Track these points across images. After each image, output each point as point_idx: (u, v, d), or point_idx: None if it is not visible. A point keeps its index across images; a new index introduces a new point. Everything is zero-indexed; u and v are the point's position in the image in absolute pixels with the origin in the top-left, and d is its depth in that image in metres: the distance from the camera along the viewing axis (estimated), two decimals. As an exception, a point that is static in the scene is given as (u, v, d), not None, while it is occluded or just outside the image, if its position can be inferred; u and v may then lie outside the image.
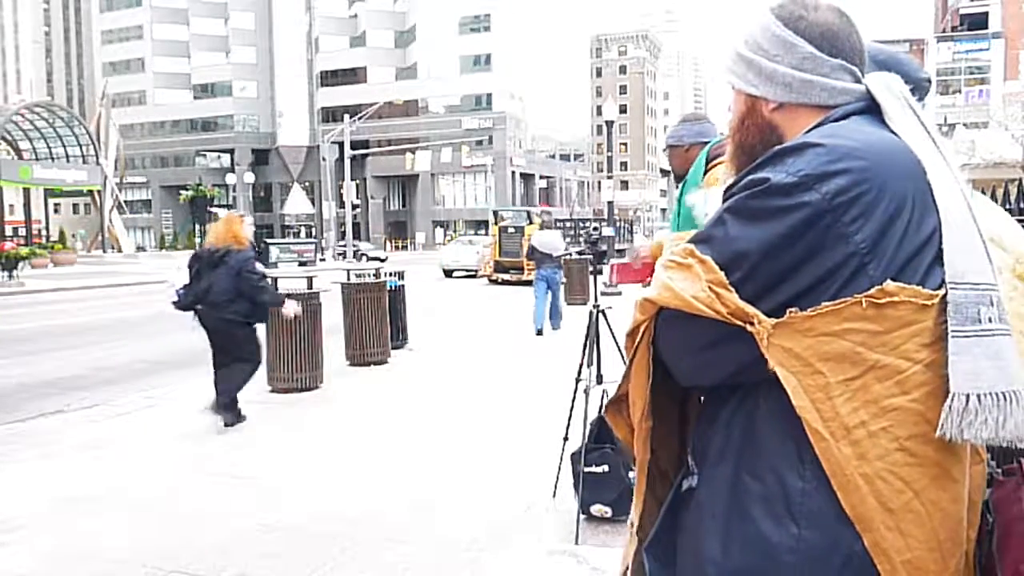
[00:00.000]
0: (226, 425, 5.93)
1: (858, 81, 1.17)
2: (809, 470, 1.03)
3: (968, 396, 0.99)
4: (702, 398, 1.21)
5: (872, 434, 1.01)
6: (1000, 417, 1.00)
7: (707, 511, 1.11)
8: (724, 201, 1.12)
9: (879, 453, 1.01)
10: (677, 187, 3.28)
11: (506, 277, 23.25)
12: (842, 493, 1.01)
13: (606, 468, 3.87)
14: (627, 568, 1.29)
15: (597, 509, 3.93)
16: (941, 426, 1.00)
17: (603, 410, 1.34)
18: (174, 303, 6.27)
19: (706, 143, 3.10)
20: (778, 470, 1.04)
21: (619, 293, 14.23)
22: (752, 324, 1.03)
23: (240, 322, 6.04)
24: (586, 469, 3.85)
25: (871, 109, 1.15)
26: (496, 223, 25.22)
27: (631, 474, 3.87)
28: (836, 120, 1.14)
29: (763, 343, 1.03)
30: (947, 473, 1.03)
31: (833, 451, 1.01)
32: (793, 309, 1.03)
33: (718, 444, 1.12)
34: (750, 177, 1.09)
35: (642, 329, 1.14)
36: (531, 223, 23.95)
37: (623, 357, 1.25)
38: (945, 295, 1.02)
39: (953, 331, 1.01)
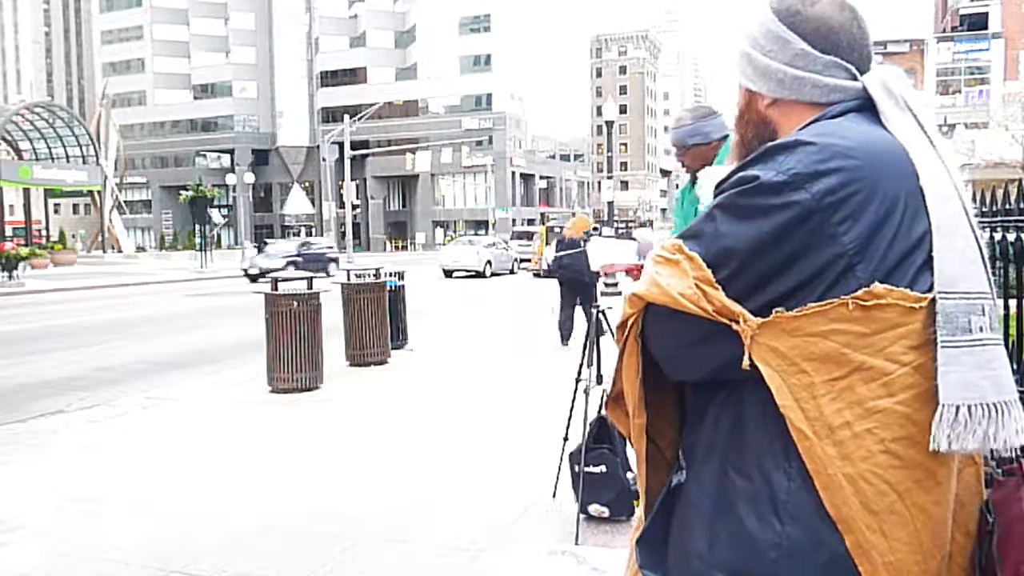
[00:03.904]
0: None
1: (854, 78, 1.15)
2: (795, 468, 1.02)
3: (958, 407, 0.99)
4: (692, 394, 1.21)
5: (856, 435, 1.00)
6: (991, 428, 0.99)
7: (694, 506, 1.12)
8: (715, 197, 1.12)
9: (863, 454, 1.00)
10: (692, 186, 3.19)
11: None
12: (825, 493, 1.00)
13: (603, 468, 3.87)
14: (637, 568, 1.29)
15: (595, 509, 3.93)
16: (933, 438, 1.00)
17: (604, 407, 1.34)
18: (545, 272, 10.32)
19: (727, 136, 3.04)
20: (764, 467, 1.04)
21: (619, 293, 14.24)
22: (738, 322, 1.03)
23: (590, 280, 9.28)
24: (584, 469, 3.85)
25: (868, 107, 1.14)
26: (544, 223, 27.59)
27: (629, 475, 3.87)
28: (832, 117, 1.13)
29: (748, 342, 1.02)
30: (932, 476, 1.03)
31: (816, 450, 1.01)
32: (779, 308, 1.02)
33: (706, 440, 1.12)
34: (741, 174, 1.09)
35: (630, 324, 1.14)
36: None
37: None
38: (934, 298, 1.01)
39: (943, 341, 1.00)
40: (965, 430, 0.99)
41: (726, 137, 3.04)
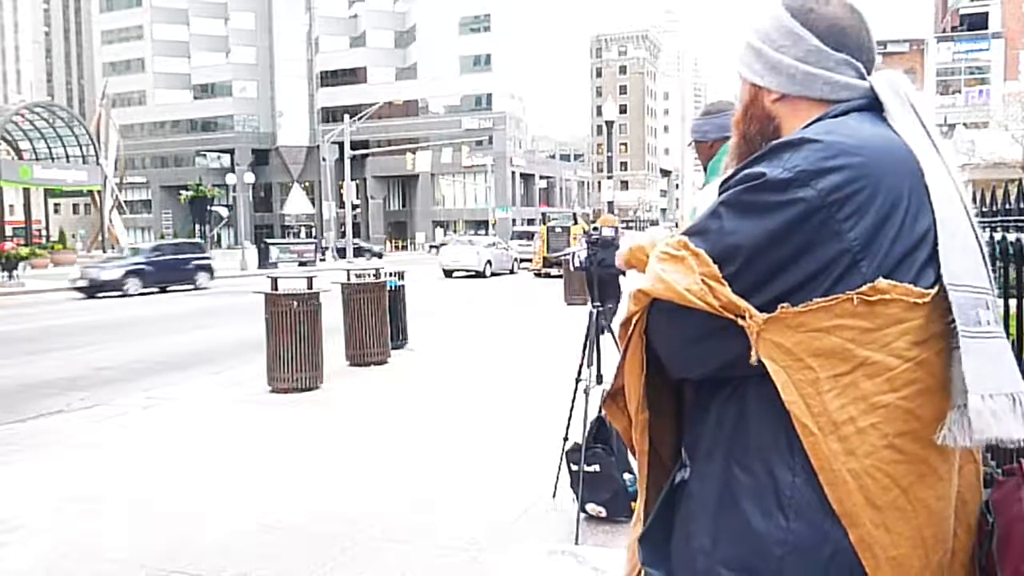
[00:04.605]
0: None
1: (863, 77, 1.17)
2: (799, 464, 1.03)
3: (983, 396, 1.00)
4: (694, 391, 1.21)
5: (860, 430, 1.01)
6: (1012, 417, 1.00)
7: (698, 503, 1.12)
8: (720, 194, 1.12)
9: (867, 450, 1.01)
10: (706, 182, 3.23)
11: (552, 272, 24.66)
12: (829, 488, 1.01)
13: (597, 468, 3.87)
14: (636, 565, 1.29)
15: (592, 508, 3.93)
16: (972, 427, 0.99)
17: (601, 403, 1.34)
18: (575, 267, 11.17)
19: (727, 138, 3.02)
20: (768, 463, 1.05)
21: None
22: (744, 318, 1.04)
23: (617, 276, 10.28)
24: (579, 468, 3.86)
25: (872, 106, 1.15)
26: (545, 224, 28.88)
27: (625, 475, 3.88)
28: (835, 116, 1.14)
29: (754, 337, 1.03)
30: (934, 471, 1.04)
31: (821, 446, 1.01)
32: (785, 304, 1.03)
33: (709, 437, 1.13)
34: (746, 171, 1.09)
35: (635, 320, 1.15)
36: (576, 223, 27.45)
37: (618, 348, 1.25)
38: (937, 294, 1.03)
39: (962, 331, 1.01)
40: (996, 420, 0.99)
41: (727, 139, 3.02)
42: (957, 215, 1.06)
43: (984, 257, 1.06)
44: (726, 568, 1.06)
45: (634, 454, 1.26)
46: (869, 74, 1.18)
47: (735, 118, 1.28)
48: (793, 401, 1.02)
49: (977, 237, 1.07)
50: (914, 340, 1.02)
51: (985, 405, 0.99)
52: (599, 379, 4.30)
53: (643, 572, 1.25)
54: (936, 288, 1.03)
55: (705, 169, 3.18)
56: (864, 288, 1.01)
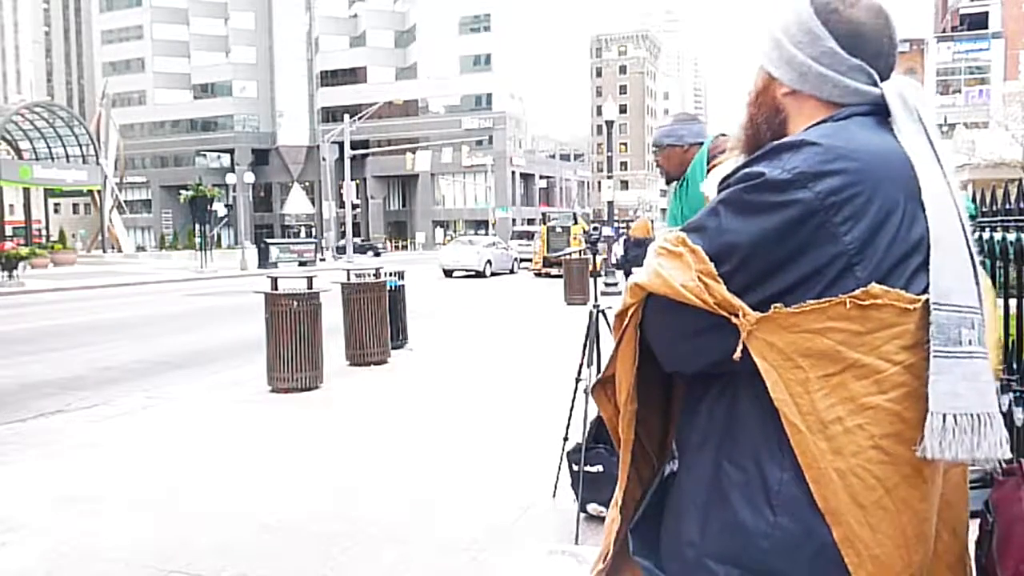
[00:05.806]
0: None
1: (875, 84, 1.17)
2: (787, 461, 1.05)
3: (945, 416, 1.01)
4: (686, 385, 1.22)
5: (848, 430, 1.03)
6: (975, 438, 1.02)
7: (688, 496, 1.14)
8: (719, 192, 1.13)
9: (854, 449, 1.03)
10: (669, 187, 3.34)
11: (552, 271, 24.72)
12: (816, 486, 1.03)
13: (600, 468, 3.87)
14: (610, 544, 1.30)
15: (594, 508, 3.93)
16: (921, 446, 1.02)
17: (591, 390, 1.36)
18: (614, 265, 10.76)
19: (702, 143, 3.12)
20: (758, 459, 1.07)
21: (619, 293, 14.25)
22: (737, 316, 1.05)
23: None
24: (580, 468, 3.86)
25: (878, 112, 1.16)
26: (545, 223, 28.97)
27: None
28: (839, 120, 1.15)
29: (745, 335, 1.04)
30: (918, 472, 1.05)
31: (809, 444, 1.03)
32: (778, 304, 1.04)
33: (700, 431, 1.15)
34: (746, 170, 1.11)
35: (630, 313, 1.16)
36: (576, 223, 27.76)
37: (613, 339, 1.26)
38: (927, 300, 1.04)
39: (935, 351, 1.02)
40: (953, 438, 1.01)
41: (701, 144, 3.13)
42: (953, 232, 1.07)
43: (976, 275, 1.07)
44: (713, 560, 1.08)
45: (617, 442, 1.28)
46: (885, 79, 1.18)
47: (747, 100, 1.29)
48: (782, 399, 1.04)
49: (971, 255, 1.07)
50: (903, 344, 1.03)
51: (946, 425, 1.01)
52: (599, 379, 4.30)
53: (616, 552, 1.27)
54: (927, 295, 1.04)
55: (664, 176, 3.32)
56: (857, 292, 1.02)
